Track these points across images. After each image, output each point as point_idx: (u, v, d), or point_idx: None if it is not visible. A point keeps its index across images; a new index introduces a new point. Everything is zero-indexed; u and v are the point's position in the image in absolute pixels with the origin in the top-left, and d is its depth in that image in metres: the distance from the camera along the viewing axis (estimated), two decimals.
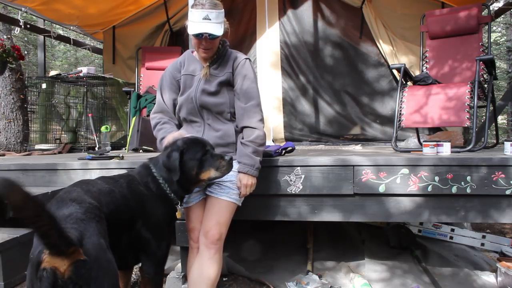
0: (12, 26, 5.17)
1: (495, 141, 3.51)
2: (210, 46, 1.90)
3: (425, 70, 3.51)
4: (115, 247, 1.56)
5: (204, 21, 1.82)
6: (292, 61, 5.01)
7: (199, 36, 1.85)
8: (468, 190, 2.08)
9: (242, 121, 1.92)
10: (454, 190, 2.09)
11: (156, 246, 1.68)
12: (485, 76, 3.12)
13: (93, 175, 2.47)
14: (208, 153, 1.74)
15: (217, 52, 1.97)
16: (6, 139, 3.78)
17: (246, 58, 2.00)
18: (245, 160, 1.85)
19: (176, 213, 1.79)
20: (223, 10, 1.89)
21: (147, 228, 1.65)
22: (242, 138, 1.91)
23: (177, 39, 5.40)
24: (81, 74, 4.73)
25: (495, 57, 3.62)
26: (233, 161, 1.81)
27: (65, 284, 1.18)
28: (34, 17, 5.78)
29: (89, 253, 1.21)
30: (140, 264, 1.77)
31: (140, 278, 2.48)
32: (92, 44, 7.42)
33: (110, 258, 1.29)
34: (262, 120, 1.93)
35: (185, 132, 1.91)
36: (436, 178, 2.10)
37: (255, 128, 1.89)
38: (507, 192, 2.06)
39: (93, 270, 1.21)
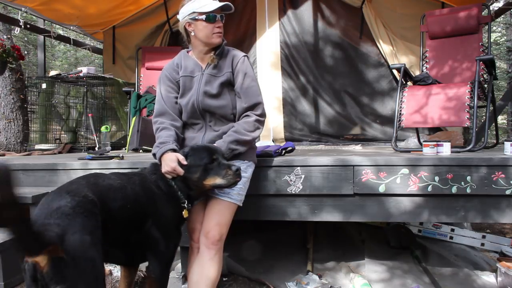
0: (12, 26, 5.16)
1: (495, 141, 3.51)
2: (222, 29, 1.93)
3: (425, 70, 3.51)
4: (124, 244, 1.56)
5: (215, 0, 1.89)
6: (292, 61, 5.01)
7: (213, 18, 1.88)
8: (468, 190, 2.08)
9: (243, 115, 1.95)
10: (454, 190, 2.09)
11: (164, 246, 1.67)
12: (485, 76, 3.12)
13: None
14: (215, 161, 1.72)
15: (216, 49, 1.97)
16: (6, 139, 3.78)
17: (245, 56, 2.00)
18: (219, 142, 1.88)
19: (183, 213, 1.76)
20: None
21: (157, 227, 1.64)
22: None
23: (177, 39, 5.39)
24: (81, 74, 4.72)
25: (495, 57, 3.62)
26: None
27: (44, 278, 1.21)
28: (34, 17, 5.78)
29: (68, 251, 1.21)
30: (140, 264, 1.77)
31: (140, 278, 2.48)
32: (92, 44, 7.42)
33: (91, 256, 1.27)
34: (262, 114, 1.95)
35: (182, 157, 1.76)
36: (436, 178, 2.10)
37: (249, 116, 1.92)
38: (507, 192, 2.06)
39: (70, 267, 1.21)
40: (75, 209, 1.29)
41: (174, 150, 1.78)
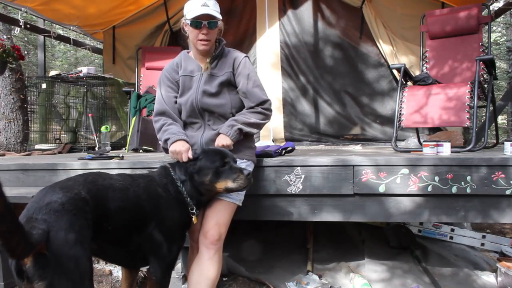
0: (12, 26, 5.17)
1: (495, 141, 3.51)
2: (209, 37, 1.90)
3: (425, 70, 3.51)
4: (124, 244, 1.55)
5: (203, 7, 1.86)
6: (292, 61, 5.01)
7: (198, 24, 1.86)
8: (468, 190, 2.08)
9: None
10: (454, 190, 2.09)
11: (167, 250, 1.66)
12: (485, 76, 3.12)
13: None
14: (227, 165, 1.73)
15: (214, 51, 1.97)
16: (6, 139, 3.78)
17: (246, 56, 2.01)
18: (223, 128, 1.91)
19: (193, 219, 1.75)
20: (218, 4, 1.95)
21: (160, 230, 1.63)
22: None
23: (177, 39, 5.40)
24: (81, 74, 4.73)
25: (495, 57, 3.62)
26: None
27: (27, 273, 1.23)
28: (34, 17, 5.79)
29: (51, 248, 1.22)
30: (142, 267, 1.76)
31: (140, 278, 2.48)
32: (92, 44, 7.42)
33: (75, 254, 1.27)
34: (269, 109, 2.02)
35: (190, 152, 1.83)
36: (436, 178, 2.10)
37: (255, 108, 1.97)
38: (507, 192, 2.06)
39: (51, 264, 1.22)
40: (65, 206, 1.30)
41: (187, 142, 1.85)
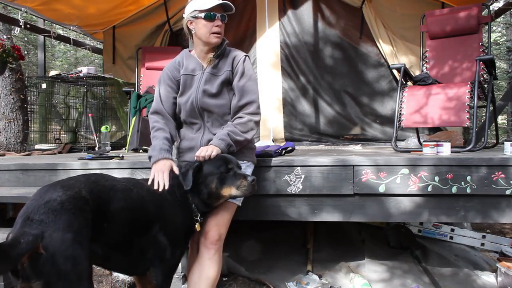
0: (12, 26, 5.17)
1: (495, 141, 3.51)
2: (221, 30, 1.92)
3: (425, 70, 3.51)
4: (125, 249, 1.53)
5: None
6: (292, 61, 5.01)
7: (212, 16, 1.87)
8: (468, 190, 2.08)
9: (236, 115, 1.94)
10: (454, 190, 2.09)
11: (170, 254, 1.64)
12: (485, 76, 3.12)
13: None
14: (231, 171, 1.71)
15: (217, 48, 1.97)
16: (6, 139, 3.78)
17: (245, 56, 2.01)
18: (217, 141, 1.82)
19: (196, 226, 1.74)
20: None
21: (164, 233, 1.61)
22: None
23: (177, 39, 5.40)
24: (81, 74, 4.73)
25: (495, 57, 3.62)
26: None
27: (23, 272, 1.23)
28: (34, 17, 5.79)
29: (47, 248, 1.23)
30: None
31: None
32: (92, 44, 7.42)
33: (72, 254, 1.26)
34: (255, 113, 1.92)
35: (175, 167, 1.79)
36: (436, 178, 2.10)
37: (241, 117, 1.90)
38: (507, 192, 2.06)
39: (48, 264, 1.22)
40: (64, 205, 1.30)
41: (170, 160, 1.81)
